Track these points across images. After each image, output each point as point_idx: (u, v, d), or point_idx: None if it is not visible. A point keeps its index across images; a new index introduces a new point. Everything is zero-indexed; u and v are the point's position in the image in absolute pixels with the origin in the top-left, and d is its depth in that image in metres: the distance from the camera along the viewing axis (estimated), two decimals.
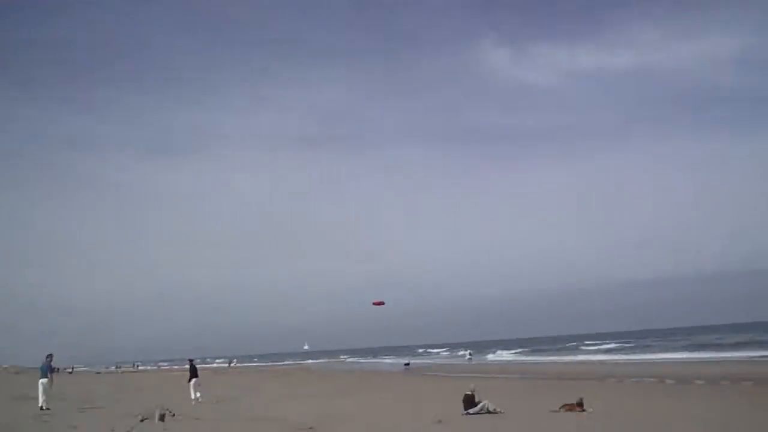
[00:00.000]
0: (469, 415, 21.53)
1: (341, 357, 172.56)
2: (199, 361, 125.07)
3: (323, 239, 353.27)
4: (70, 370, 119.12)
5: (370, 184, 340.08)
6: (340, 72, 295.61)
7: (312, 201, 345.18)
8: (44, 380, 25.74)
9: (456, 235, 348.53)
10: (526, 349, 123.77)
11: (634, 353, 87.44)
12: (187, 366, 35.07)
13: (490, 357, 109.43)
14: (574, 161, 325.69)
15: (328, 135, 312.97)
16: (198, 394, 31.30)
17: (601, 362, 70.34)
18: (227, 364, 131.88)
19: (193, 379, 32.19)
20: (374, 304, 25.34)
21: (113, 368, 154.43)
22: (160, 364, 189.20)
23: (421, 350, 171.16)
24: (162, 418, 17.73)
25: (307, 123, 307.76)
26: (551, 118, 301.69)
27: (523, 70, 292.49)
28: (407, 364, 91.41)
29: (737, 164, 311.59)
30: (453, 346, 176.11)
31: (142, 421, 17.56)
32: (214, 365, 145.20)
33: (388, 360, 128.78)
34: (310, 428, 18.03)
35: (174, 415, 17.53)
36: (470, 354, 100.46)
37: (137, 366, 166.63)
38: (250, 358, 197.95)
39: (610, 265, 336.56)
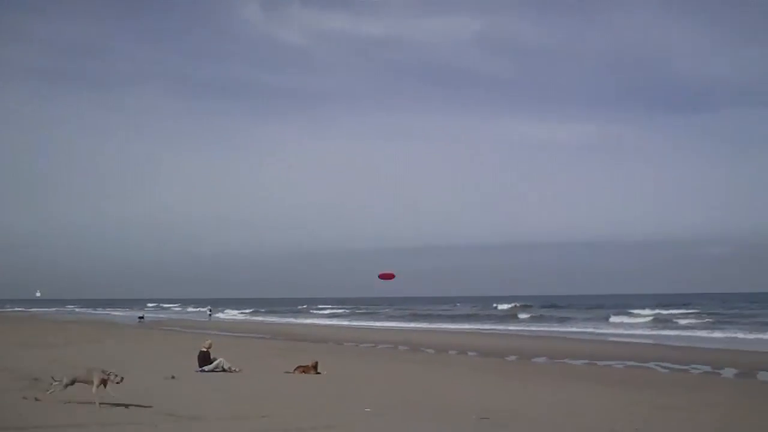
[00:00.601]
0: (203, 372, 21.21)
1: (68, 307, 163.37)
2: None
3: (53, 183, 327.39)
4: None
5: (98, 126, 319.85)
6: (88, 6, 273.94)
7: (50, 140, 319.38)
8: None
9: (192, 191, 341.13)
10: (260, 310, 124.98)
11: (364, 319, 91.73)
12: None
13: (220, 315, 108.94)
14: (320, 124, 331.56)
15: (70, 70, 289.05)
16: None
17: (335, 327, 72.77)
18: None
19: None
20: (380, 277, 21.52)
21: None
22: None
23: (152, 304, 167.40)
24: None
25: (48, 56, 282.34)
26: (300, 79, 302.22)
27: (274, 26, 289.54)
28: (141, 317, 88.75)
29: (481, 144, 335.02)
30: (185, 302, 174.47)
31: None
32: None
33: (119, 312, 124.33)
34: (36, 379, 16.83)
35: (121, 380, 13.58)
36: (210, 310, 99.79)
37: None
38: None
39: (345, 231, 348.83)
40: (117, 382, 13.15)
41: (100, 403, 12.80)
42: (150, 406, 13.29)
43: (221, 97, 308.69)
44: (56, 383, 13.18)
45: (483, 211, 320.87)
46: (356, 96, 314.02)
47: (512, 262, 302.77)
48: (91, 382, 13.01)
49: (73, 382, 13.14)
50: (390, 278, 19.83)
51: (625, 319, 72.95)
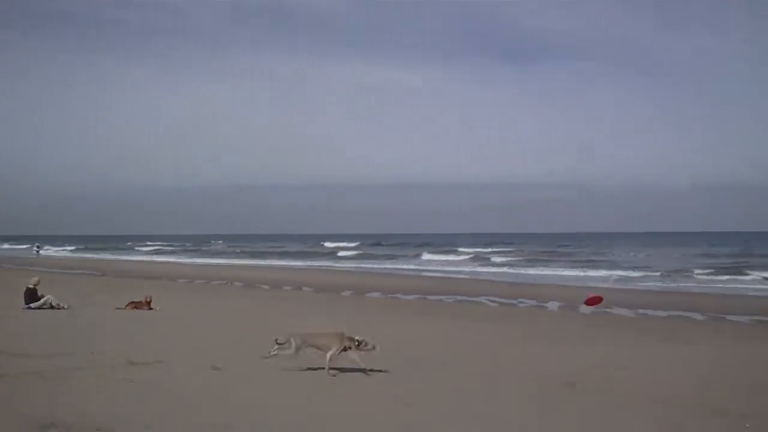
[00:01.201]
0: (30, 310, 20.93)
1: None
2: None
3: None
4: None
5: None
6: None
7: None
8: None
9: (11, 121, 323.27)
10: (87, 246, 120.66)
11: (194, 256, 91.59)
12: None
13: (46, 252, 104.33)
14: (143, 59, 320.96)
15: None
16: None
17: (167, 263, 71.99)
18: None
19: None
20: (587, 303, 20.38)
21: None
22: None
23: None
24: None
25: None
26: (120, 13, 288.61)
27: None
28: None
29: (314, 85, 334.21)
30: (2, 238, 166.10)
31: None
32: None
33: None
34: None
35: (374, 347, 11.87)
36: (38, 247, 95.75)
37: None
38: None
39: (171, 169, 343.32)
40: (370, 350, 11.99)
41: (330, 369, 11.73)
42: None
43: (48, 31, 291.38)
44: (279, 346, 11.97)
45: (313, 151, 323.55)
46: (190, 34, 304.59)
47: (343, 202, 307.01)
48: (328, 348, 11.82)
49: (300, 347, 11.85)
50: (600, 301, 20.44)
51: (446, 257, 77.01)
